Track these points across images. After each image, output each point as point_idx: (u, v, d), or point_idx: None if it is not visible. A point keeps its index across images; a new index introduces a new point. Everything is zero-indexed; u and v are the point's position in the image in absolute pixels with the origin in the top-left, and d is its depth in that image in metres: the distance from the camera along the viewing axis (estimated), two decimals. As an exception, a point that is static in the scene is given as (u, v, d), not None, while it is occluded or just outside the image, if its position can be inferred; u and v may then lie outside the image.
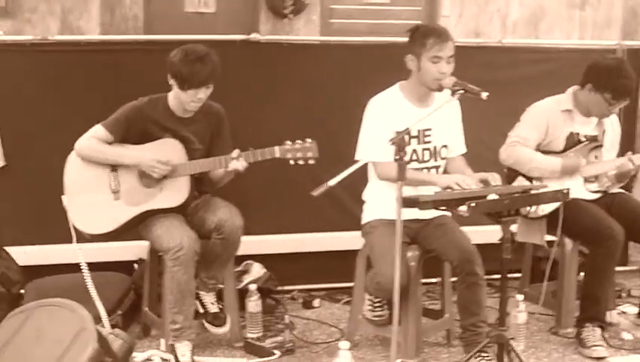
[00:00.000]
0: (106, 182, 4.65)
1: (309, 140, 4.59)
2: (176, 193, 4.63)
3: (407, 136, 4.25)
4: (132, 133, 4.64)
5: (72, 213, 4.66)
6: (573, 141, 5.12)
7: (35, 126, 5.40)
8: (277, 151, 4.57)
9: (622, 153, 5.26)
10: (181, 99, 4.60)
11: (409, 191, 4.13)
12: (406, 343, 4.65)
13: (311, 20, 6.74)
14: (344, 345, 4.23)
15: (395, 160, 3.87)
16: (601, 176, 5.15)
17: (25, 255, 5.38)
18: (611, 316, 5.19)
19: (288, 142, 4.57)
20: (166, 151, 4.61)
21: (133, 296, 5.19)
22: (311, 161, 4.58)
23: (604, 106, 5.03)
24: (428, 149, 4.70)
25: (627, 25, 6.97)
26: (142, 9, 6.48)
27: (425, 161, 4.70)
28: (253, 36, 5.63)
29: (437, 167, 4.74)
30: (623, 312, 5.48)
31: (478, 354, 4.41)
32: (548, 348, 4.99)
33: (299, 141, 4.58)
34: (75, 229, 4.66)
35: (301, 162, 4.59)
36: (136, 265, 5.44)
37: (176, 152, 4.63)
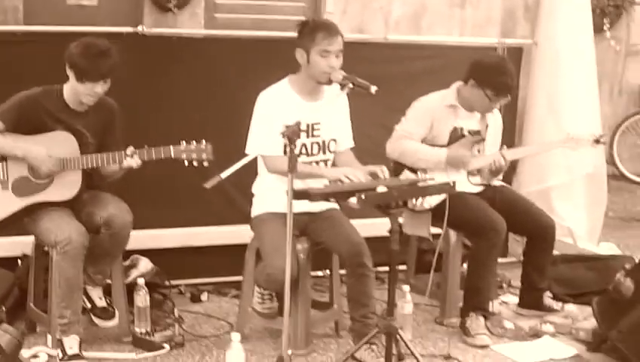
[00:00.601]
0: None
1: (204, 142, 4.57)
2: (67, 187, 4.56)
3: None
4: (24, 122, 4.53)
5: None
6: (456, 135, 5.24)
7: None
8: (171, 152, 4.54)
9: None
10: (78, 92, 4.52)
11: (298, 185, 4.16)
12: (296, 334, 4.70)
13: (195, 14, 6.72)
14: (235, 336, 4.24)
15: (286, 153, 3.90)
16: (482, 170, 5.29)
17: None
18: (493, 306, 5.33)
19: (184, 143, 4.55)
20: (59, 144, 4.52)
21: (18, 292, 5.08)
22: (205, 163, 4.56)
23: (485, 102, 5.17)
24: (317, 143, 4.75)
25: (505, 24, 7.17)
26: (21, 0, 6.34)
27: (314, 155, 4.75)
28: (140, 29, 5.56)
29: (326, 161, 4.79)
30: (504, 302, 5.63)
31: (366, 344, 4.49)
32: (434, 338, 5.10)
33: (194, 142, 4.56)
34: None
35: (195, 163, 4.57)
36: (19, 261, 5.32)
37: (69, 146, 4.54)
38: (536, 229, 5.30)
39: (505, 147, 5.38)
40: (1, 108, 4.53)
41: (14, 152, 4.51)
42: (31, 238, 4.81)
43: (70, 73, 4.50)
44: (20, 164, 4.54)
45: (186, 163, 4.56)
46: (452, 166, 5.15)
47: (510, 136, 6.29)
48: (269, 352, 4.77)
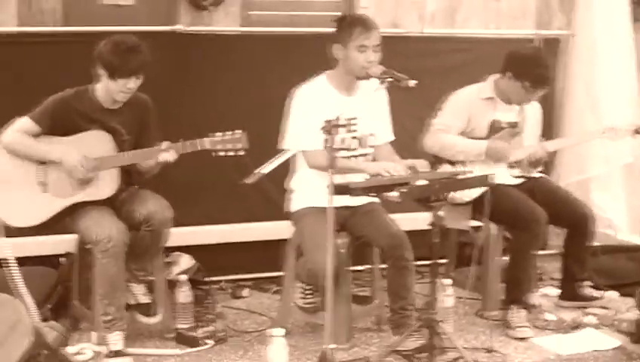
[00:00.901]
0: (34, 174, 4.59)
1: (238, 131, 4.57)
2: (105, 185, 4.59)
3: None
4: (59, 124, 4.59)
5: None
6: (495, 128, 5.23)
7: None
8: (206, 143, 4.55)
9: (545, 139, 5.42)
10: (110, 89, 4.56)
11: (338, 179, 4.16)
12: (337, 329, 4.68)
13: (230, 12, 6.72)
14: (278, 331, 4.25)
15: (326, 148, 3.91)
16: (522, 161, 5.27)
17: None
18: (534, 298, 5.31)
19: (218, 134, 4.56)
20: (94, 143, 4.57)
21: (62, 290, 5.13)
22: (240, 153, 4.57)
23: (522, 94, 5.15)
24: (355, 138, 4.75)
25: (541, 15, 7.12)
26: (59, 1, 6.38)
27: (353, 149, 4.75)
28: (177, 27, 5.60)
29: (365, 155, 4.80)
30: (545, 294, 5.63)
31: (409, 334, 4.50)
32: (475, 331, 5.09)
33: (228, 132, 4.57)
34: (2, 223, 4.59)
35: (231, 153, 4.57)
36: (62, 259, 5.38)
37: (105, 144, 4.59)
38: (576, 220, 5.27)
39: (544, 138, 5.37)
40: (36, 112, 4.59)
41: (50, 157, 4.57)
42: (74, 236, 4.85)
43: (102, 71, 4.54)
44: (58, 166, 4.58)
45: (222, 153, 4.57)
46: (492, 158, 5.14)
47: (548, 128, 6.25)
48: (311, 347, 4.79)
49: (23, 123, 4.59)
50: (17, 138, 4.57)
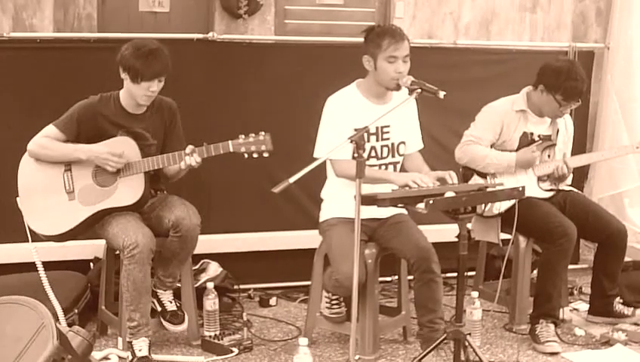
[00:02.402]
0: (60, 182, 4.62)
1: (262, 133, 4.53)
2: (131, 191, 4.60)
3: (366, 134, 4.31)
4: (84, 131, 4.62)
5: (27, 214, 4.63)
6: (526, 140, 5.19)
7: (-11, 124, 5.35)
8: (230, 146, 4.52)
9: (577, 152, 5.37)
10: (133, 93, 4.59)
11: (366, 190, 4.13)
12: (364, 340, 4.69)
13: (265, 21, 6.76)
14: (303, 341, 4.25)
15: (354, 157, 3.89)
16: (550, 176, 5.23)
17: (-22, 254, 5.33)
18: (564, 312, 5.26)
19: (242, 136, 4.53)
20: (119, 148, 4.58)
21: (90, 295, 5.17)
22: (265, 154, 4.53)
23: (555, 107, 5.10)
24: (386, 146, 4.73)
25: (577, 28, 7.10)
26: (95, 8, 6.46)
27: (383, 158, 4.73)
28: (211, 35, 5.63)
29: (395, 163, 4.78)
30: (575, 309, 5.56)
31: (434, 351, 4.46)
32: (503, 344, 5.05)
33: (252, 134, 4.53)
34: (30, 230, 4.63)
35: (255, 155, 4.54)
36: (91, 264, 5.42)
37: (130, 150, 4.59)
38: (608, 235, 5.20)
39: (566, 154, 5.32)
40: (61, 120, 4.63)
41: (77, 155, 4.59)
42: (103, 242, 4.88)
43: (124, 75, 4.57)
44: (84, 173, 4.62)
45: (246, 156, 4.54)
46: (522, 168, 5.11)
47: (582, 141, 6.22)
48: (337, 357, 4.78)
49: (49, 130, 4.62)
50: (43, 143, 4.60)
